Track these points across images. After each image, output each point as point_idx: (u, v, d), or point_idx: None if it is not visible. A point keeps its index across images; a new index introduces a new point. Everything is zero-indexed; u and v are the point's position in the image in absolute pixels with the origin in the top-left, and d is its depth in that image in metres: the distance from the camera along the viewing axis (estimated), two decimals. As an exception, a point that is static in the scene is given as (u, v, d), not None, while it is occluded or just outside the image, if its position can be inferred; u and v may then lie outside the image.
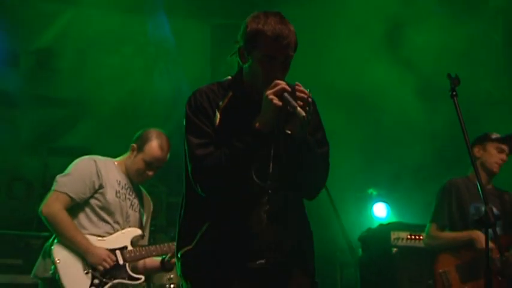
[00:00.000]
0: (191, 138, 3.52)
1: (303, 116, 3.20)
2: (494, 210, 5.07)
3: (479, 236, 5.32)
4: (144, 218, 5.45)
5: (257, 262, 3.49)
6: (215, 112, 3.56)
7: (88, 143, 5.73)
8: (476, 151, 5.67)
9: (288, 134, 3.50)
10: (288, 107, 3.25)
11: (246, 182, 3.54)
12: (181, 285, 3.73)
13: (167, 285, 6.58)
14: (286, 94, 3.28)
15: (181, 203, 3.71)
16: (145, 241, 5.44)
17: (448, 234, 5.70)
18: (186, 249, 3.57)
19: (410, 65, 8.05)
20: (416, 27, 8.33)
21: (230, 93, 3.62)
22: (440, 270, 5.61)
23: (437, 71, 7.68)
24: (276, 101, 3.29)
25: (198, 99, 3.59)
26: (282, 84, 3.31)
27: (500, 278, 5.13)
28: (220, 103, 3.60)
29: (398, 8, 8.10)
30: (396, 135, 7.80)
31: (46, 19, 8.22)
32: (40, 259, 5.05)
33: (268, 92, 3.31)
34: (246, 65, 3.55)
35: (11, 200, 7.11)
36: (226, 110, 3.58)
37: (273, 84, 3.32)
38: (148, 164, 5.20)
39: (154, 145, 5.18)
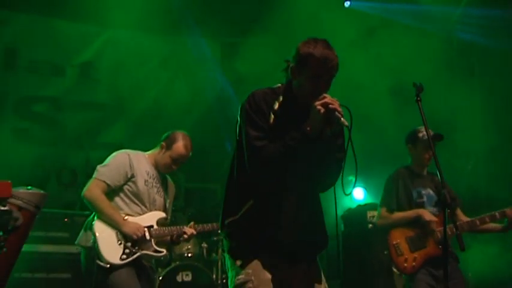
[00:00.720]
0: (250, 131, 3.60)
1: (346, 125, 3.39)
2: (429, 192, 5.51)
3: (424, 212, 5.30)
4: (168, 202, 5.49)
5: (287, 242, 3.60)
6: (270, 113, 3.63)
7: (122, 139, 5.71)
8: (410, 148, 5.63)
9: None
10: (334, 117, 3.40)
11: (286, 173, 3.66)
12: (223, 244, 3.91)
13: (185, 254, 6.74)
14: (331, 105, 3.41)
15: (227, 184, 3.84)
16: (167, 220, 5.49)
17: (398, 214, 5.55)
18: (231, 219, 3.66)
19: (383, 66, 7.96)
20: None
21: (281, 98, 3.68)
22: (394, 242, 5.54)
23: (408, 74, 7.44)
24: (323, 110, 3.43)
25: (257, 100, 3.66)
26: (328, 97, 3.44)
27: (440, 247, 5.24)
28: (275, 106, 3.66)
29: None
30: (369, 130, 7.72)
31: (88, 39, 8.22)
32: (82, 231, 5.12)
33: (317, 103, 3.43)
34: (296, 81, 3.64)
35: (60, 185, 7.16)
36: (279, 113, 3.65)
37: (321, 97, 3.45)
38: (175, 160, 5.25)
39: (181, 145, 5.21)
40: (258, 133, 3.59)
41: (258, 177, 3.64)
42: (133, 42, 8.32)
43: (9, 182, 3.45)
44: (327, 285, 3.88)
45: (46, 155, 7.36)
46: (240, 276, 3.65)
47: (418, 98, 3.97)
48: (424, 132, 5.41)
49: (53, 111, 8.04)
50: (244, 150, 3.63)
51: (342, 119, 3.40)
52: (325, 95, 3.49)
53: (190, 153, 5.30)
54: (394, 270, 5.65)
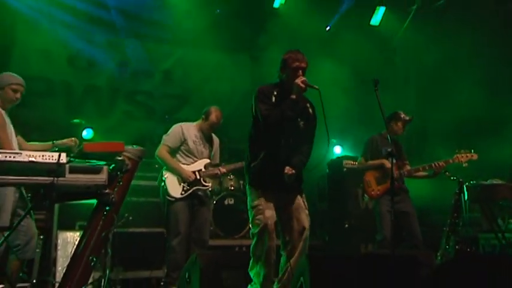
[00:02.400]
0: (261, 106, 3.82)
1: (317, 88, 3.72)
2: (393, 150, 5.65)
3: (386, 162, 5.35)
4: (213, 152, 5.42)
5: (289, 173, 3.80)
6: (271, 97, 3.88)
7: (188, 117, 5.83)
8: (393, 124, 5.61)
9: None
10: (308, 86, 3.75)
11: (283, 130, 3.85)
12: (245, 179, 4.05)
13: (230, 187, 6.89)
14: (306, 81, 3.75)
15: (248, 142, 4.02)
16: (213, 163, 5.40)
17: (370, 162, 5.69)
18: (254, 163, 3.89)
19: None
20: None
21: (277, 89, 3.93)
22: (366, 179, 5.71)
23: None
24: (301, 84, 3.73)
25: (263, 90, 3.92)
26: (303, 77, 3.77)
27: (396, 183, 5.15)
28: (275, 92, 3.90)
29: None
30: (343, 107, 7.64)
31: (167, 54, 8.43)
32: (159, 177, 5.21)
33: (297, 80, 3.74)
34: (284, 75, 3.90)
35: (152, 146, 6.88)
36: (276, 95, 3.90)
37: (299, 78, 3.76)
38: (211, 126, 5.29)
39: (213, 116, 5.26)
40: (265, 106, 3.82)
41: (270, 126, 3.81)
42: (196, 55, 8.41)
43: (123, 142, 3.66)
44: (307, 208, 4.02)
45: (143, 127, 7.63)
46: (254, 201, 3.88)
47: (376, 89, 4.06)
48: (404, 114, 5.60)
49: (147, 100, 8.30)
50: (259, 116, 3.83)
51: (314, 86, 3.76)
52: (301, 76, 3.79)
53: (221, 121, 5.31)
54: (365, 196, 5.74)
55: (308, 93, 3.95)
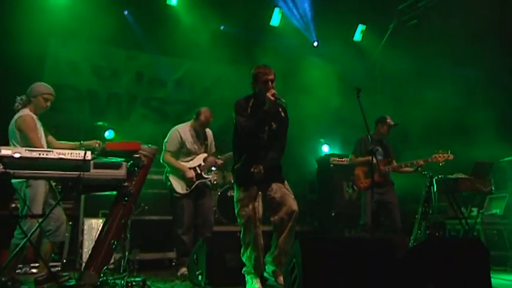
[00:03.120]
0: (239, 118, 3.81)
1: (284, 101, 3.72)
2: (379, 149, 5.59)
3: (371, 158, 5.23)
4: (208, 144, 5.28)
5: (256, 171, 3.80)
6: (247, 108, 3.86)
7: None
8: (380, 126, 5.61)
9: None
10: (277, 99, 3.68)
11: (259, 135, 3.86)
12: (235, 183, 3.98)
13: (232, 180, 6.23)
14: (275, 94, 3.66)
15: (233, 148, 4.03)
16: (213, 153, 5.29)
17: (360, 158, 5.61)
18: (237, 165, 3.91)
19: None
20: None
21: (252, 100, 3.92)
22: (356, 173, 5.66)
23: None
24: (273, 98, 3.66)
25: (240, 103, 3.90)
26: (273, 91, 3.69)
27: (381, 177, 5.42)
28: (250, 104, 3.88)
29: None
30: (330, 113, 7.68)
31: (178, 66, 8.28)
32: (165, 176, 5.11)
33: (268, 94, 3.67)
34: (257, 88, 3.86)
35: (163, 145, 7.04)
36: (252, 107, 3.87)
37: (270, 91, 3.69)
38: (201, 125, 5.13)
39: (202, 117, 5.11)
40: (243, 118, 3.79)
41: (247, 136, 3.80)
42: (202, 67, 8.32)
43: (139, 142, 3.71)
44: (292, 193, 3.92)
45: (157, 128, 7.32)
46: (239, 196, 3.86)
47: (358, 95, 4.14)
48: (390, 119, 5.56)
49: (161, 105, 8.18)
50: (238, 126, 3.82)
51: (282, 99, 3.70)
52: (271, 89, 3.70)
53: (211, 120, 5.16)
54: (354, 187, 5.80)
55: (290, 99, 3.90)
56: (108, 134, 6.55)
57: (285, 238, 3.79)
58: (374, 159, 4.83)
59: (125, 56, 7.83)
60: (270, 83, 3.77)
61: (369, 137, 4.75)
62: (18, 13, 6.35)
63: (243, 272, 3.90)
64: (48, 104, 4.11)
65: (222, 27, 8.04)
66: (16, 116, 3.95)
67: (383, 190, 5.39)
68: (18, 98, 4.05)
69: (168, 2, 7.37)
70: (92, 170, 3.20)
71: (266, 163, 3.82)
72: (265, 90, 3.73)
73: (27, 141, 3.79)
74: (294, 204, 3.84)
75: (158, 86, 8.18)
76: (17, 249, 3.45)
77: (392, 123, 5.61)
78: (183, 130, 5.14)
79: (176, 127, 5.18)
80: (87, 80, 7.47)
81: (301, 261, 2.79)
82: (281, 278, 3.81)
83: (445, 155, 5.30)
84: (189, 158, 5.13)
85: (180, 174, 5.02)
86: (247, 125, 3.75)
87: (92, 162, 3.19)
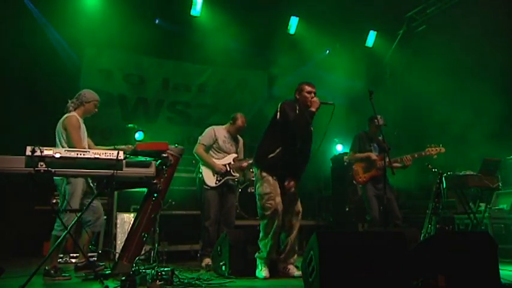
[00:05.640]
0: (291, 113, 3.88)
1: (331, 103, 3.82)
2: (375, 145, 5.49)
3: (371, 154, 5.34)
4: (238, 149, 5.35)
5: (287, 186, 3.93)
6: (295, 109, 3.93)
7: (217, 122, 5.65)
8: (370, 124, 5.51)
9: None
10: (324, 103, 3.86)
11: (298, 135, 3.96)
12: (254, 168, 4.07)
13: (252, 178, 6.22)
14: (320, 100, 3.87)
15: (262, 139, 4.05)
16: (241, 159, 5.35)
17: (358, 154, 5.53)
18: (271, 155, 3.94)
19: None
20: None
21: (296, 104, 4.00)
22: (355, 169, 5.55)
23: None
24: (318, 101, 3.86)
25: (290, 103, 3.98)
26: (317, 98, 3.90)
27: (378, 171, 5.31)
28: (297, 107, 3.96)
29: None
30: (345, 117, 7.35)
31: (201, 71, 8.29)
32: (197, 169, 5.21)
33: (315, 99, 3.89)
34: (300, 96, 4.00)
35: (189, 145, 6.65)
36: (297, 109, 3.95)
37: (315, 98, 3.90)
38: (237, 129, 5.22)
39: (239, 121, 5.19)
40: (293, 113, 3.89)
41: (291, 131, 3.88)
42: (224, 72, 8.40)
43: (167, 142, 3.65)
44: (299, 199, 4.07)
45: (182, 130, 7.66)
46: (267, 188, 3.93)
47: (370, 97, 4.14)
48: (378, 120, 5.29)
49: (185, 108, 8.22)
50: (286, 119, 3.87)
51: (328, 102, 3.85)
52: (315, 97, 3.93)
53: (245, 125, 5.23)
54: (354, 182, 5.65)
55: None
56: (138, 135, 6.57)
57: (295, 237, 3.97)
58: (374, 154, 5.04)
59: (153, 63, 7.87)
60: (313, 94, 3.98)
61: (367, 134, 4.75)
62: (58, 25, 6.60)
63: (256, 256, 3.97)
64: (96, 110, 4.25)
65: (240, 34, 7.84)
66: (64, 117, 4.04)
67: (381, 185, 5.23)
68: (69, 101, 4.14)
69: (192, 13, 7.38)
70: (124, 169, 3.22)
71: (297, 174, 4.00)
72: (309, 99, 3.92)
73: (70, 140, 3.86)
74: (300, 207, 4.03)
75: (183, 91, 8.18)
76: (59, 240, 3.50)
77: (379, 123, 5.33)
78: (218, 129, 5.19)
79: (213, 126, 5.24)
80: (119, 86, 7.54)
81: (318, 253, 2.77)
82: (293, 269, 3.96)
83: (437, 148, 5.23)
84: (220, 156, 5.14)
85: (210, 168, 5.04)
86: (299, 120, 3.84)
87: (124, 161, 3.21)
